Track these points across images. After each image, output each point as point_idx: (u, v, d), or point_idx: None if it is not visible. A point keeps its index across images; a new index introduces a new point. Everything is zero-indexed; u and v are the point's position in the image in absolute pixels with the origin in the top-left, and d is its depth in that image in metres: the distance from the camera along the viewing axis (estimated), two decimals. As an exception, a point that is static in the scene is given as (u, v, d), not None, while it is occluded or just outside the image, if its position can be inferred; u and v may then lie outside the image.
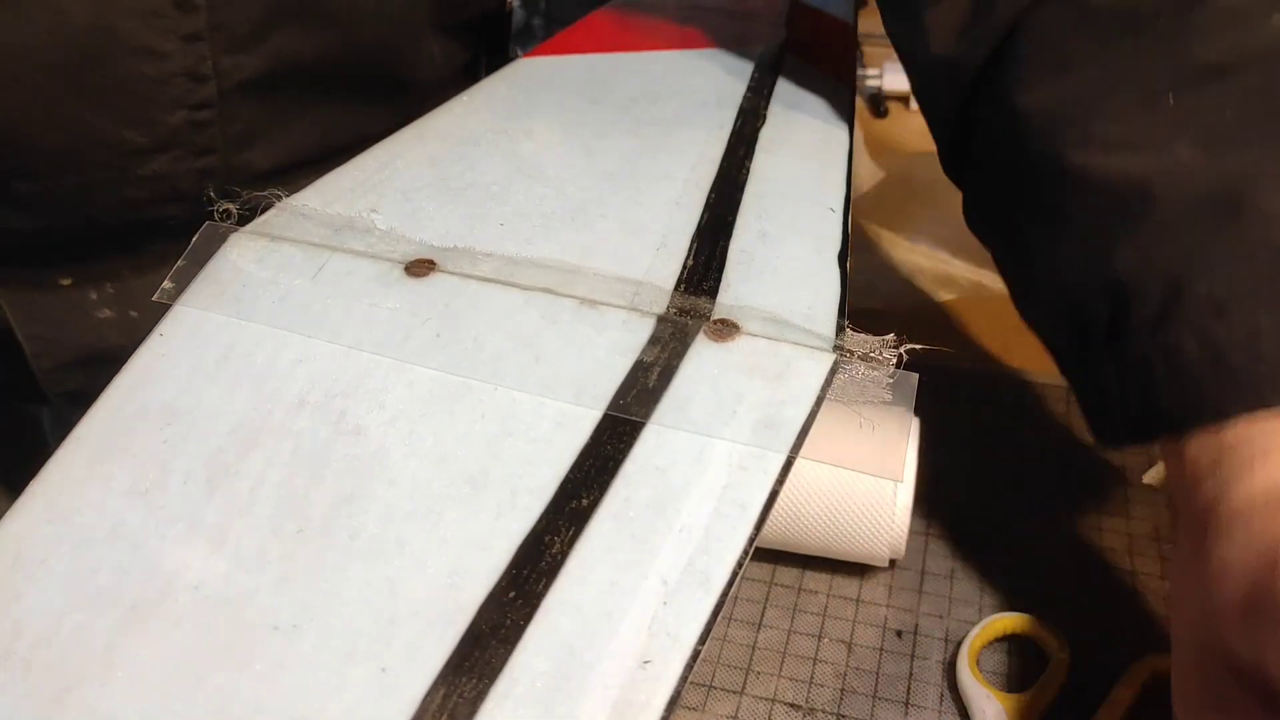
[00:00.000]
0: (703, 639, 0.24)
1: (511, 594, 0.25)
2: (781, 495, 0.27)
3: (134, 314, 0.49)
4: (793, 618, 0.43)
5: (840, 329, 0.30)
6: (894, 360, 0.29)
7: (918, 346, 0.31)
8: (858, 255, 0.68)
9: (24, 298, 0.48)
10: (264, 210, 0.35)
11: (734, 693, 0.40)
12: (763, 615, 0.43)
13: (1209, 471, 0.30)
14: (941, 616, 0.43)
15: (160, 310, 0.32)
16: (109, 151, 0.43)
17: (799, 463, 0.28)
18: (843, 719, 0.39)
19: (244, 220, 0.35)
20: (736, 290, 0.32)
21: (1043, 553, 0.46)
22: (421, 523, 0.27)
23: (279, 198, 0.36)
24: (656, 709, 0.23)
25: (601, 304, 0.31)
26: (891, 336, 0.31)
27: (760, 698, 0.40)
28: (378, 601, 0.25)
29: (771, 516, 0.42)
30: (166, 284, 0.33)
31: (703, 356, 0.30)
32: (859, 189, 0.74)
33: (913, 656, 0.42)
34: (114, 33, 0.41)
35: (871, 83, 0.89)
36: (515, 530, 0.26)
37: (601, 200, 0.36)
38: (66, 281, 0.48)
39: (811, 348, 0.30)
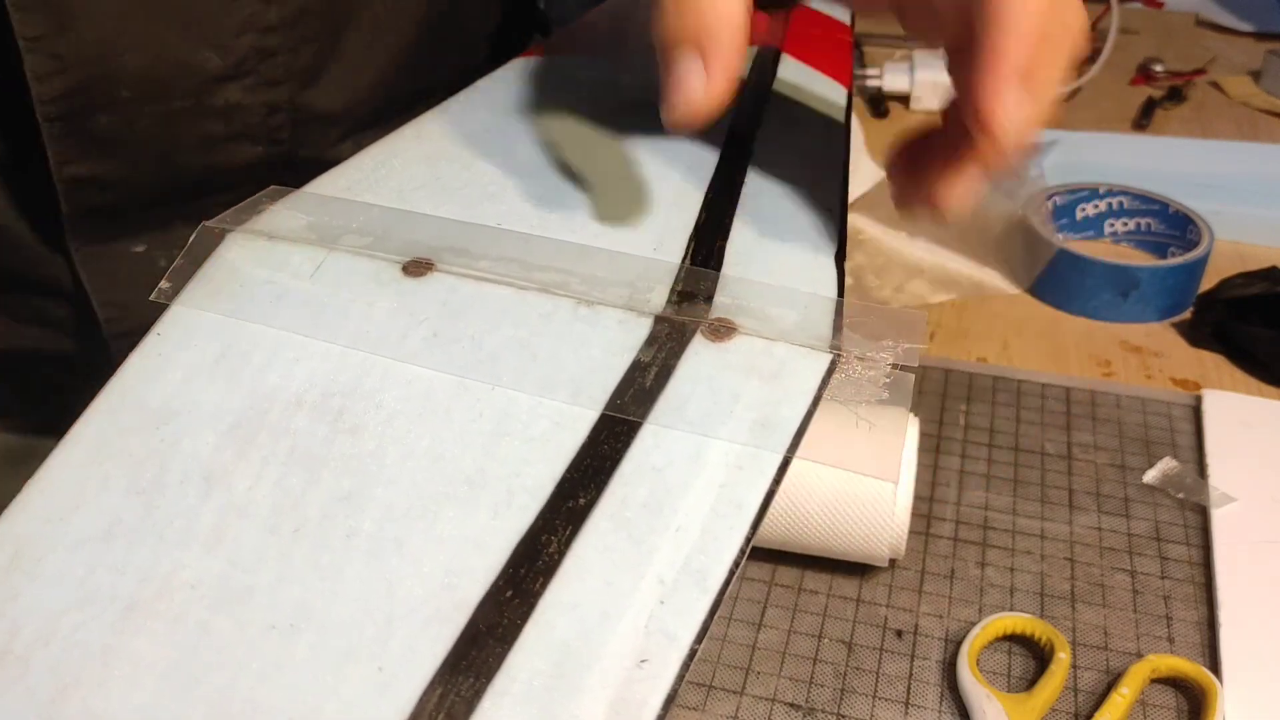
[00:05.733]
0: (700, 638, 0.24)
1: (509, 593, 0.25)
2: (782, 495, 0.27)
3: None
4: (793, 618, 0.43)
5: (837, 329, 0.30)
6: (890, 360, 0.29)
7: (915, 346, 0.31)
8: (858, 255, 0.68)
9: (102, 265, 0.51)
10: (261, 210, 0.35)
11: (734, 693, 0.40)
12: (763, 615, 0.43)
13: None
14: (941, 616, 0.43)
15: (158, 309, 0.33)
16: (187, 75, 0.46)
17: (800, 463, 0.28)
18: (843, 719, 0.39)
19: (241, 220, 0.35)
20: (733, 290, 0.32)
21: (1043, 553, 0.46)
22: (419, 522, 0.27)
23: (275, 197, 0.36)
24: (654, 708, 0.23)
25: (598, 304, 0.31)
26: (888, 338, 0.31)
27: (760, 698, 0.40)
28: (375, 601, 0.25)
29: (772, 517, 0.42)
30: (163, 284, 0.33)
31: (700, 356, 0.30)
32: (859, 189, 0.74)
33: (913, 656, 0.42)
34: None
35: (871, 83, 0.89)
36: (512, 530, 0.26)
37: (599, 200, 0.36)
38: (140, 248, 0.51)
39: (808, 347, 0.30)
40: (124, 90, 0.45)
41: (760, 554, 0.45)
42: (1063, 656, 0.40)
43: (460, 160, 0.39)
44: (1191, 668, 0.40)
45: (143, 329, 0.52)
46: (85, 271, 0.51)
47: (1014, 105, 0.30)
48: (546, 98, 0.44)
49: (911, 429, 0.44)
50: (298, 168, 0.52)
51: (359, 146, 0.52)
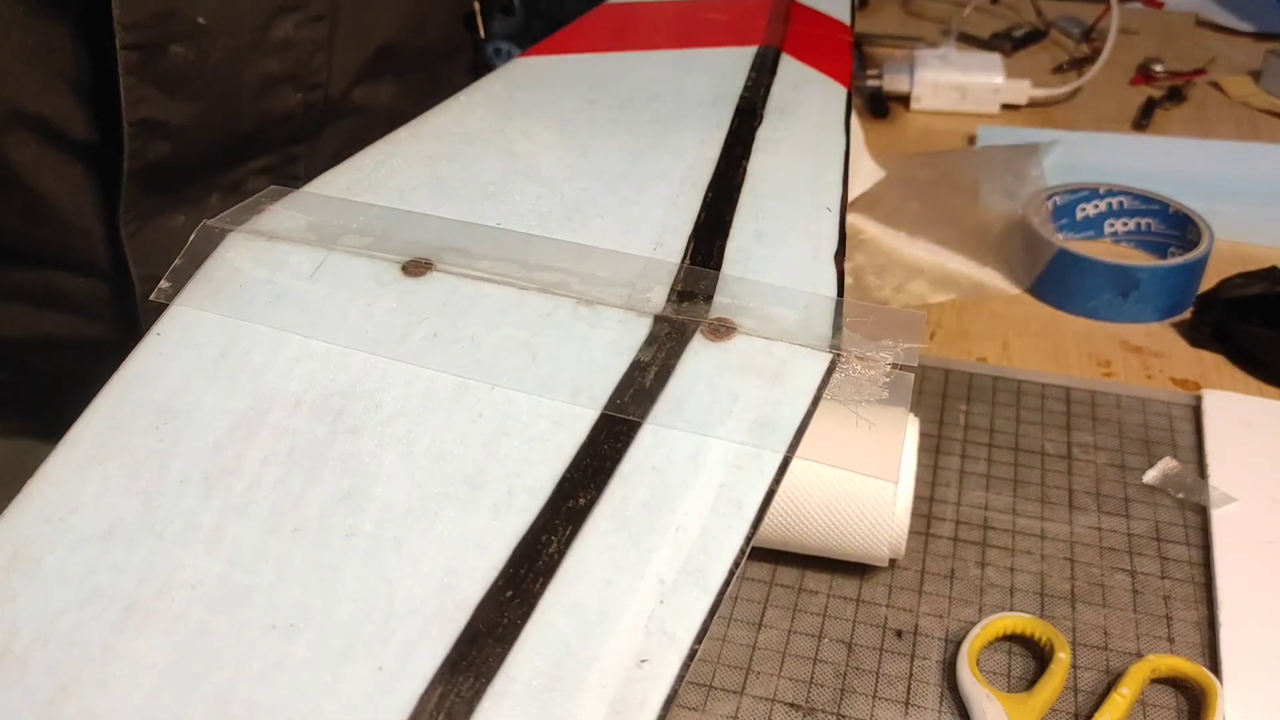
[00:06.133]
0: (699, 638, 0.24)
1: (508, 593, 0.25)
2: (782, 495, 0.27)
3: None
4: (793, 618, 0.43)
5: (837, 328, 0.30)
6: (890, 359, 0.29)
7: (915, 345, 0.31)
8: (858, 255, 0.68)
9: (145, 238, 0.53)
10: (261, 210, 0.35)
11: (734, 693, 0.40)
12: (763, 615, 0.43)
13: None
14: (941, 616, 0.43)
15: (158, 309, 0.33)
16: (254, 3, 0.50)
17: (800, 463, 0.28)
18: (843, 719, 0.39)
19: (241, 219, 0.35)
20: (733, 290, 0.32)
21: (1043, 553, 0.46)
22: (418, 522, 0.27)
23: (275, 197, 0.36)
24: (653, 708, 0.23)
25: (598, 303, 0.31)
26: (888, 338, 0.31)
27: (760, 698, 0.40)
28: (374, 601, 0.25)
29: (772, 517, 0.42)
30: (163, 283, 0.33)
31: (699, 356, 0.30)
32: (859, 189, 0.74)
33: (913, 656, 0.42)
34: None
35: (871, 83, 0.89)
36: (512, 530, 0.26)
37: (598, 200, 0.36)
38: (180, 220, 0.54)
39: (808, 347, 0.30)
40: (201, 17, 0.48)
41: (760, 554, 0.45)
42: (1063, 656, 0.40)
43: (461, 160, 0.39)
44: (1191, 668, 0.40)
45: None
46: (130, 245, 0.52)
47: None
48: (546, 98, 0.44)
49: (911, 429, 0.44)
50: (324, 121, 0.57)
51: (370, 94, 0.58)
